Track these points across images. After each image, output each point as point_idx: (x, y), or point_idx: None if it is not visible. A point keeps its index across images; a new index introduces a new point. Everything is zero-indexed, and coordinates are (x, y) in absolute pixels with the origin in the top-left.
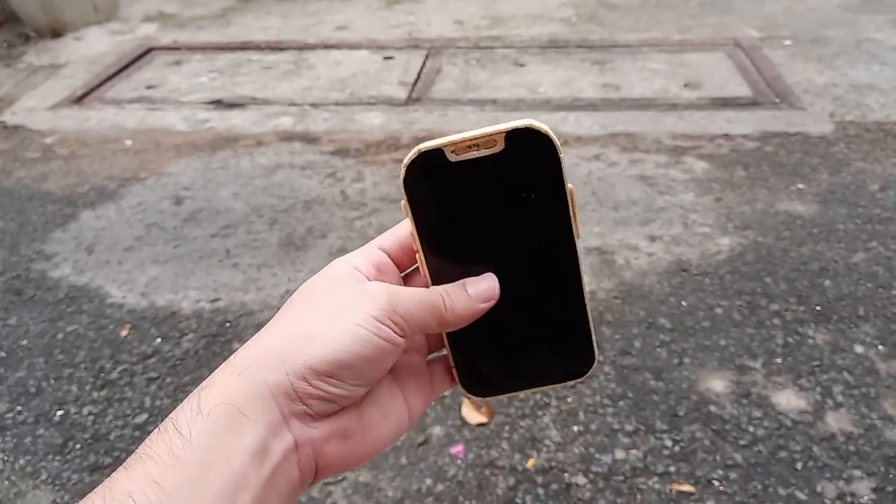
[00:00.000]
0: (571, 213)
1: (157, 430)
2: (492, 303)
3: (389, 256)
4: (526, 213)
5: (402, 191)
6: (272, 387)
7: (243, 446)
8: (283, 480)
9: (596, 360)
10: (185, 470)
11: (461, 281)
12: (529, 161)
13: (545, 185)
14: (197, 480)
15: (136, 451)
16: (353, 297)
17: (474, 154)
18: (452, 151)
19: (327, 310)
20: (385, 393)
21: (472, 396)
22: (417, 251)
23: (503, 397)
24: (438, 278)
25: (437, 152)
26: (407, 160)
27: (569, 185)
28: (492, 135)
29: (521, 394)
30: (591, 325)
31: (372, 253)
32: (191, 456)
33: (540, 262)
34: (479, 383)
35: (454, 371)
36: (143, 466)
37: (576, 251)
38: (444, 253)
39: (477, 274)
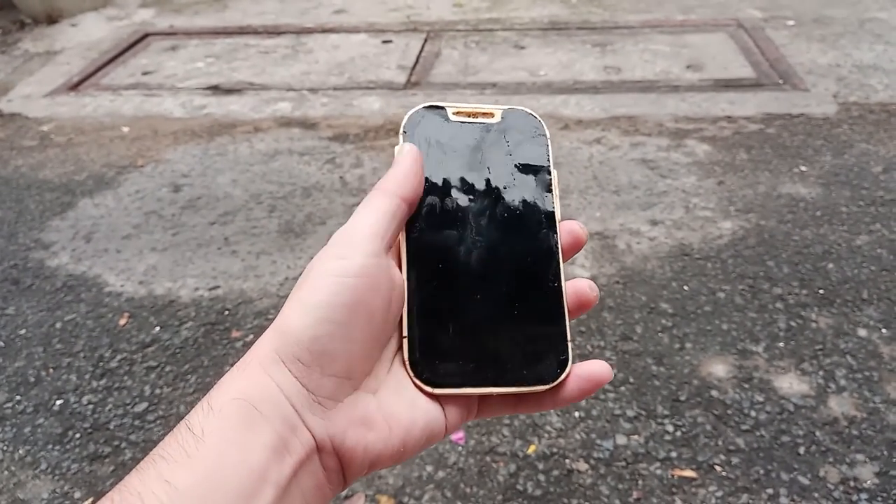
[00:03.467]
0: (555, 192)
1: (170, 433)
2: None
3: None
4: (510, 179)
5: (401, 133)
6: (278, 381)
7: (261, 442)
8: (307, 479)
9: (570, 365)
10: (198, 468)
11: None
12: (520, 133)
13: (531, 158)
14: (212, 478)
15: (149, 454)
16: (315, 262)
17: (472, 119)
18: (455, 113)
19: (297, 288)
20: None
21: (421, 385)
22: None
23: (457, 393)
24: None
25: (441, 109)
26: (412, 110)
27: (553, 171)
28: (492, 109)
29: (478, 394)
30: (568, 322)
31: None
32: (204, 453)
33: (519, 236)
34: (433, 368)
35: (404, 345)
36: (154, 467)
37: (557, 239)
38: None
39: (454, 225)
